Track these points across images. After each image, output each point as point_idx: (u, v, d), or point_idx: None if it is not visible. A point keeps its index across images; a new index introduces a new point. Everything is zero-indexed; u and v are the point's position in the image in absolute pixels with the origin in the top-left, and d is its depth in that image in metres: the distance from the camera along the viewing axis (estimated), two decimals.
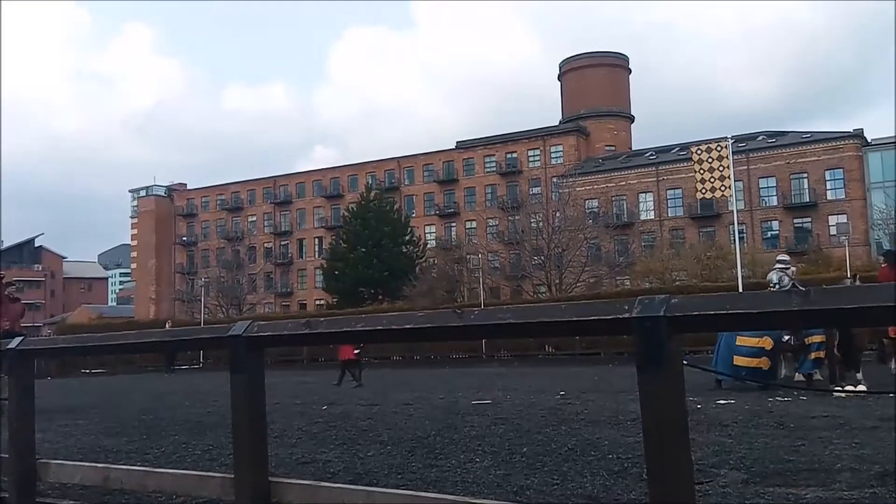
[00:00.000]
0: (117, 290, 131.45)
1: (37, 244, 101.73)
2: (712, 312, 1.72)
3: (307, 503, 2.63)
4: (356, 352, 17.44)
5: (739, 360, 9.98)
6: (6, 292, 13.82)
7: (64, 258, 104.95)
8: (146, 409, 11.29)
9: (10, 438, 3.56)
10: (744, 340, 10.01)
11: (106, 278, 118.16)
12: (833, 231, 47.40)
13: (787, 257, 12.12)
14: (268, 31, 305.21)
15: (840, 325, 8.25)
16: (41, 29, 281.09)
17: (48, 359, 17.30)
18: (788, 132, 57.90)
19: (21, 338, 3.89)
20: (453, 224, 66.63)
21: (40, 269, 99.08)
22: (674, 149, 60.01)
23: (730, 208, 39.70)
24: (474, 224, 64.62)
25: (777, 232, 53.77)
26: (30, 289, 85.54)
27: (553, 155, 64.72)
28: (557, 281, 43.56)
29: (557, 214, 46.41)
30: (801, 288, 2.20)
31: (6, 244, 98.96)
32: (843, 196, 51.79)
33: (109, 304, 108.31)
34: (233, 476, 2.64)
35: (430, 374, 20.69)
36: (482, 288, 38.92)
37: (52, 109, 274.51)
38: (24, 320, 14.84)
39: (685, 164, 47.43)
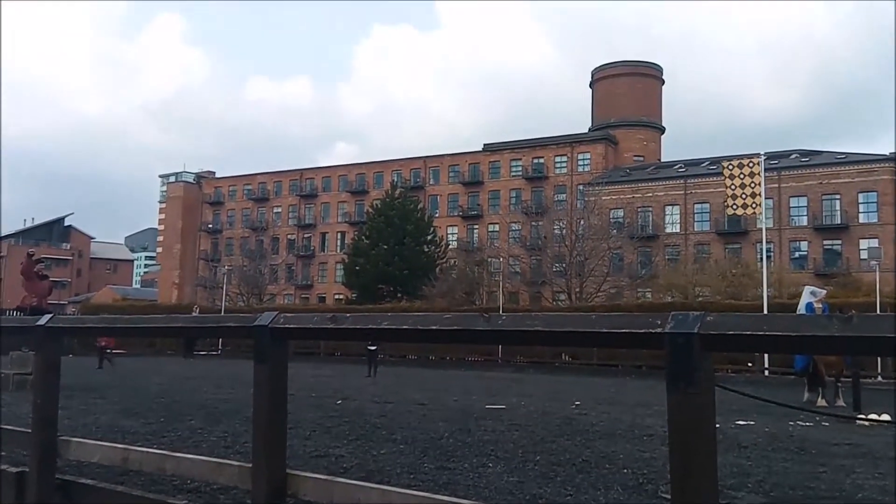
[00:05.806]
0: (142, 273, 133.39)
1: (66, 223, 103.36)
2: (748, 332, 1.68)
3: (322, 498, 2.64)
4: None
5: None
6: (34, 269, 14.11)
7: (92, 238, 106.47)
8: (165, 392, 11.46)
9: (34, 413, 3.58)
10: None
11: (131, 261, 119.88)
12: (864, 255, 46.53)
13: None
14: (295, 27, 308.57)
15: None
16: (76, 13, 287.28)
17: (75, 337, 17.57)
18: (823, 152, 56.88)
19: (50, 315, 3.91)
20: (476, 226, 66.54)
21: (68, 247, 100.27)
22: (703, 162, 59.27)
23: (758, 226, 39.09)
24: (497, 227, 64.44)
25: (805, 253, 52.80)
26: (57, 267, 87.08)
27: (580, 162, 64.31)
28: (578, 289, 43.26)
29: (581, 222, 46.10)
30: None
31: (37, 222, 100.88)
32: (876, 220, 50.72)
33: (133, 286, 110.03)
34: (250, 465, 2.65)
35: (445, 375, 20.68)
36: (501, 292, 38.78)
37: (85, 93, 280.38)
38: (50, 298, 15.10)
39: (714, 178, 46.80)
